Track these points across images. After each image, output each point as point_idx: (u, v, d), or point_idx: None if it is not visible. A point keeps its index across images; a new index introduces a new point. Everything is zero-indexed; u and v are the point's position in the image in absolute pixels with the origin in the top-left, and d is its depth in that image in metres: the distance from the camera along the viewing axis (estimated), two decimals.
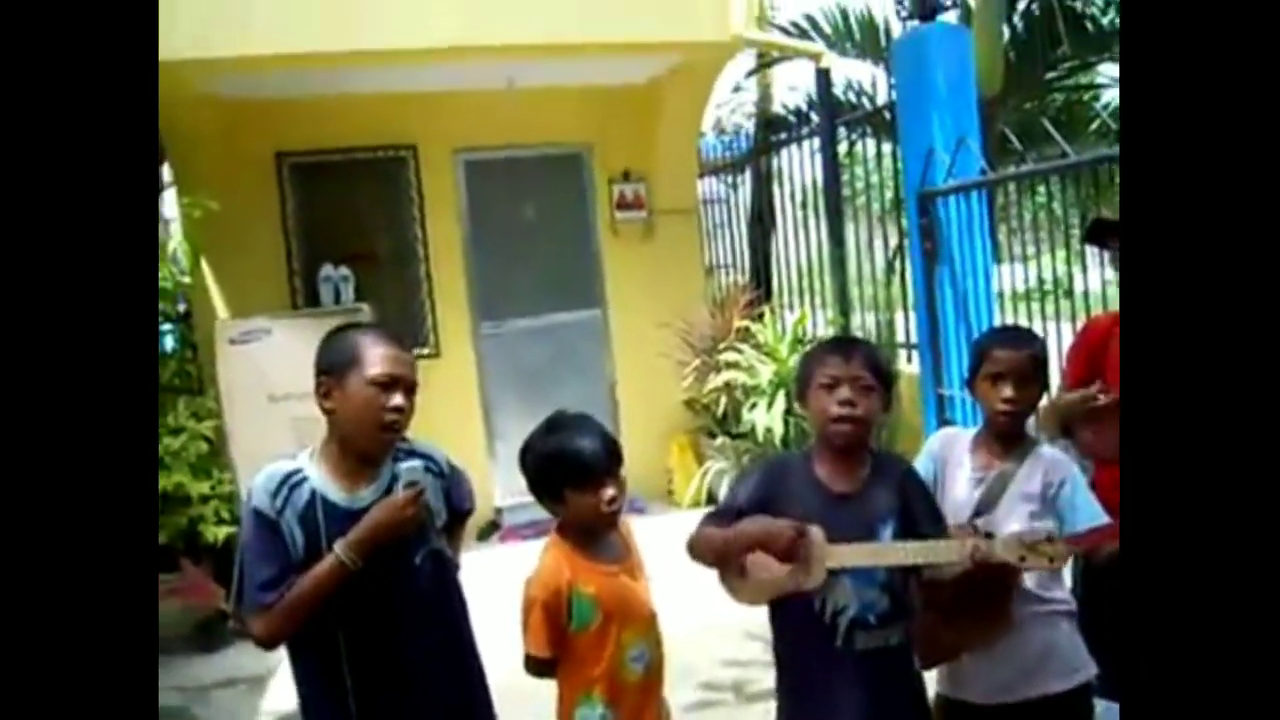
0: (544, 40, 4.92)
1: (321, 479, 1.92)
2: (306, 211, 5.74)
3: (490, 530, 5.94)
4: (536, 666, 2.10)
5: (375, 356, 1.90)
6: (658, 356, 5.92)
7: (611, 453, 2.09)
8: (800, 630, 1.94)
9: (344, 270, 5.60)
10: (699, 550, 2.00)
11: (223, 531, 4.65)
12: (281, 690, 4.13)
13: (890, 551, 1.90)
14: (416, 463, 1.98)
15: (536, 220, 6.20)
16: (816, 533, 1.85)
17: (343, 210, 5.83)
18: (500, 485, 6.03)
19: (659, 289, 6.17)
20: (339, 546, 1.85)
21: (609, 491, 2.06)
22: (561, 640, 2.08)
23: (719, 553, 1.95)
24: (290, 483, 1.89)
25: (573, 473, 2.06)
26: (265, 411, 4.82)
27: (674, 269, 6.36)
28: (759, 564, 1.91)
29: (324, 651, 1.91)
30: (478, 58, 5.03)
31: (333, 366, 1.91)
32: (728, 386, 5.62)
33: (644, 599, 2.14)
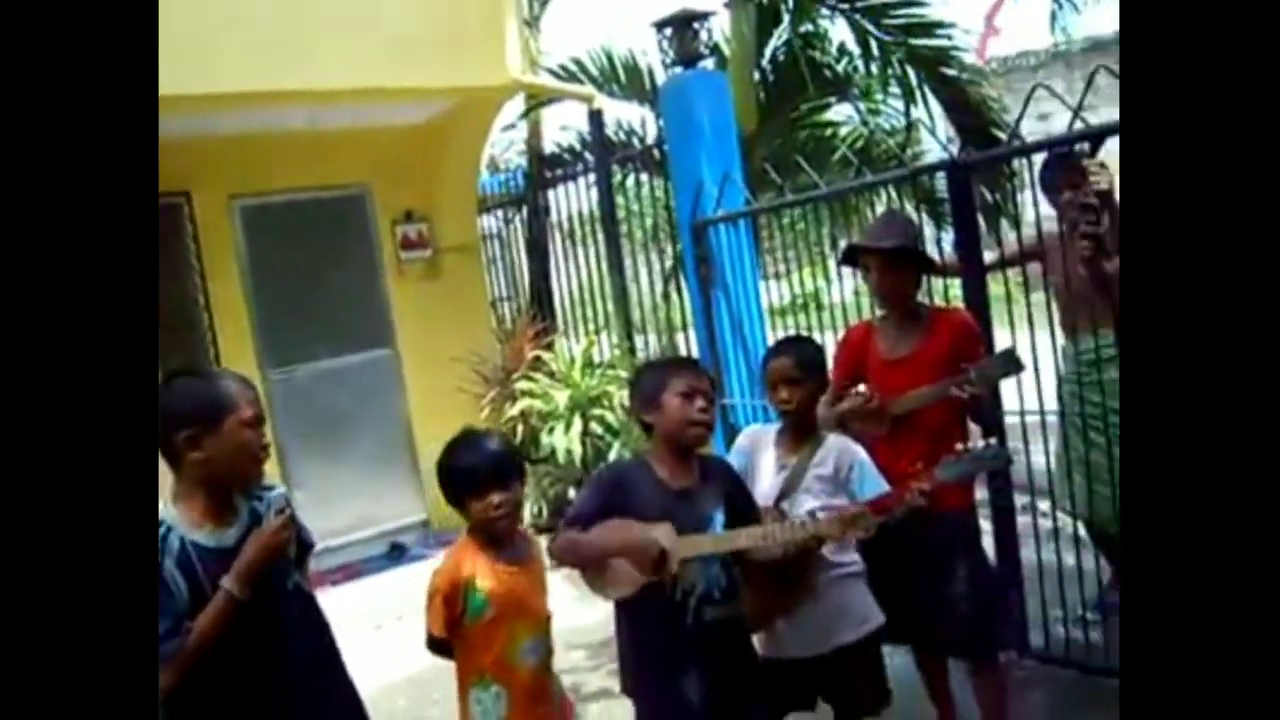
0: (325, 85, 4.99)
1: (186, 526, 1.98)
2: None
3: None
4: (434, 645, 2.39)
5: (244, 399, 2.03)
6: (453, 391, 6.04)
7: (497, 464, 2.33)
8: (654, 611, 2.23)
9: None
10: (563, 555, 2.27)
11: None
12: None
13: (731, 538, 2.24)
14: (279, 490, 2.12)
15: (320, 263, 6.17)
16: (667, 530, 2.14)
17: None
18: None
19: (448, 324, 6.28)
20: (226, 582, 1.94)
21: (494, 498, 2.31)
22: (457, 627, 2.33)
23: (585, 558, 2.23)
24: (159, 535, 1.94)
25: (462, 483, 2.33)
26: None
27: (461, 304, 6.50)
28: (617, 563, 2.19)
29: (210, 688, 1.97)
30: (253, 103, 5.02)
31: (201, 416, 1.98)
32: (524, 415, 5.82)
33: (539, 600, 2.38)
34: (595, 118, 5.89)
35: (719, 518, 2.28)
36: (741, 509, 2.35)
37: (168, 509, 2.00)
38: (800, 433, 2.67)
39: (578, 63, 6.56)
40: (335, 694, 2.22)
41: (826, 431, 2.75)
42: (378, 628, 5.07)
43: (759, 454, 2.70)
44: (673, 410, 2.27)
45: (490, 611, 2.33)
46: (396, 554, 6.08)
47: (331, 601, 5.09)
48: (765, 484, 2.62)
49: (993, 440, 2.55)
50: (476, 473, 2.33)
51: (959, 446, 2.40)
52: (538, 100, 6.94)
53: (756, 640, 2.54)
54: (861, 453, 2.66)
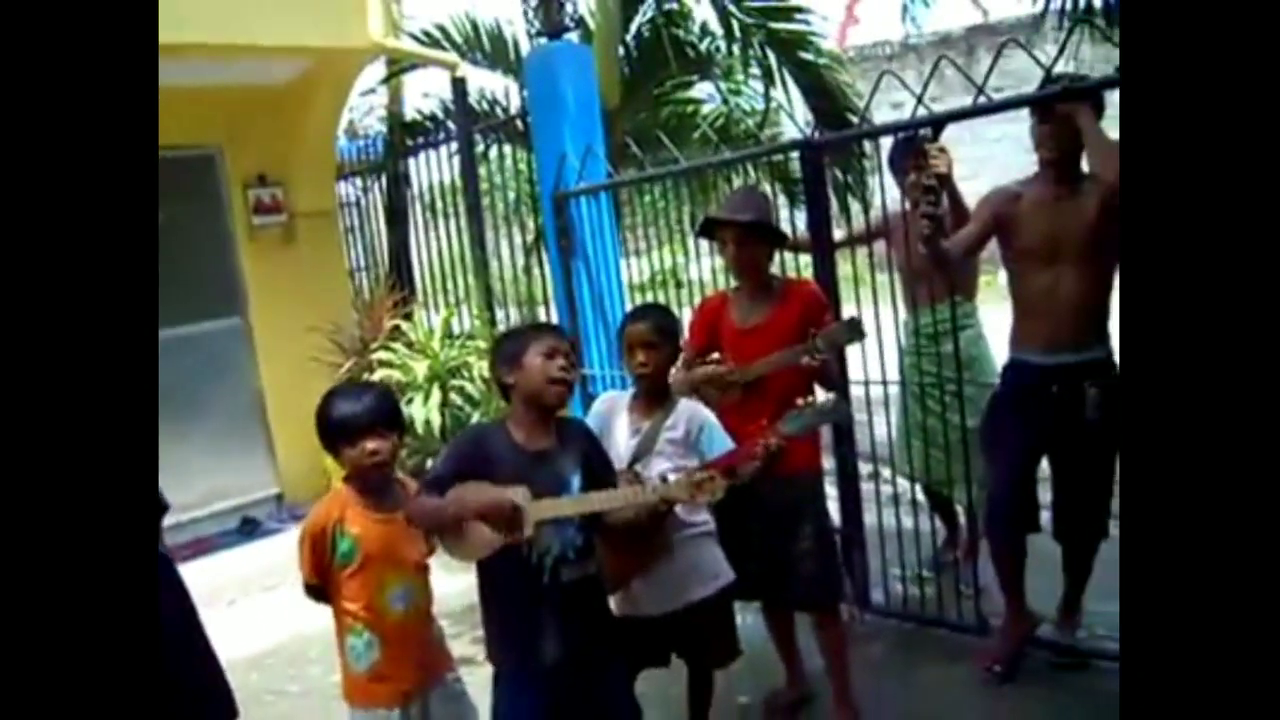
0: (177, 40, 4.76)
1: None
2: None
3: None
4: (309, 591, 2.46)
5: None
6: (307, 361, 5.89)
7: (374, 412, 2.39)
8: (511, 573, 2.27)
9: None
10: (421, 518, 2.29)
11: None
12: None
13: (587, 501, 2.29)
14: None
15: (169, 226, 5.84)
16: (524, 493, 2.19)
17: None
18: None
19: (303, 293, 6.12)
20: None
21: (368, 445, 2.37)
22: (327, 572, 2.39)
23: (440, 521, 2.25)
24: None
25: (336, 430, 2.39)
26: None
27: (317, 273, 6.34)
28: (473, 526, 2.21)
29: None
30: None
31: None
32: (383, 385, 5.75)
33: (409, 548, 2.42)
34: (458, 86, 5.82)
35: (576, 480, 2.33)
36: (598, 471, 2.41)
37: None
38: (654, 398, 2.77)
39: (442, 29, 6.44)
40: (196, 656, 2.20)
41: (680, 397, 2.85)
42: (230, 603, 4.95)
43: (614, 418, 2.78)
44: (534, 369, 2.31)
45: (358, 557, 2.40)
46: (249, 528, 5.92)
47: (183, 576, 4.95)
48: (620, 447, 2.70)
49: (834, 394, 2.69)
50: (353, 419, 2.39)
51: (800, 401, 2.52)
52: (400, 65, 6.80)
53: (612, 600, 2.63)
54: (709, 415, 2.77)
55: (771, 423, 2.49)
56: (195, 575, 5.35)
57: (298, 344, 5.86)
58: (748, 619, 3.20)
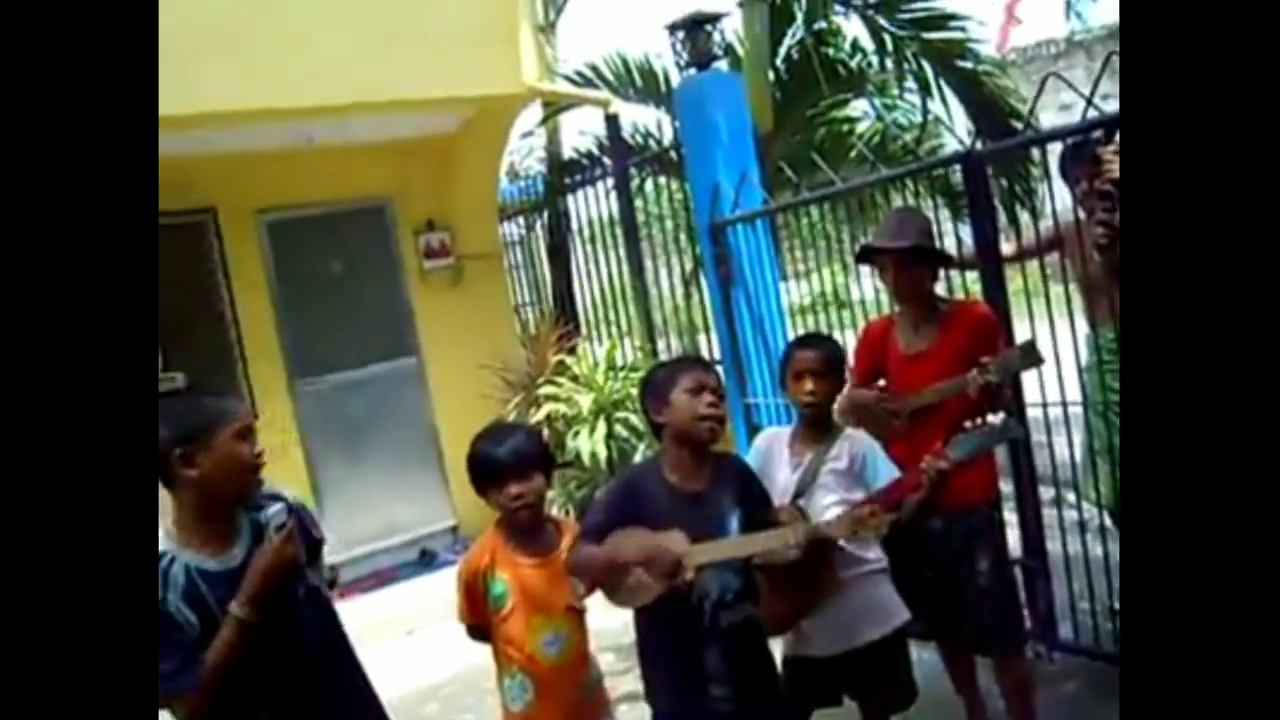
0: (344, 100, 5.06)
1: (189, 553, 1.96)
2: None
3: (327, 588, 5.88)
4: (470, 633, 2.51)
5: (232, 412, 2.02)
6: (478, 397, 6.07)
7: (516, 455, 2.39)
8: (670, 617, 2.23)
9: None
10: (581, 570, 2.26)
11: None
12: None
13: (744, 544, 2.24)
14: (278, 505, 2.07)
15: (345, 274, 6.25)
16: (680, 538, 2.14)
17: None
18: (332, 541, 5.99)
19: (472, 332, 6.34)
20: (234, 607, 1.92)
21: (512, 490, 2.38)
22: (482, 615, 2.44)
23: (603, 572, 2.22)
24: (162, 568, 1.91)
25: (483, 473, 2.42)
26: None
27: (484, 311, 6.56)
28: (632, 573, 2.18)
29: (239, 705, 1.99)
30: (277, 119, 5.10)
31: (194, 433, 1.94)
32: (549, 419, 5.85)
33: (558, 593, 2.40)
34: (612, 122, 5.91)
35: (734, 520, 2.28)
36: (758, 509, 2.35)
37: (169, 538, 1.97)
38: (817, 429, 2.68)
39: (593, 68, 6.58)
40: (354, 696, 2.24)
41: (845, 425, 2.76)
42: (409, 633, 5.12)
43: (774, 454, 2.71)
44: (682, 406, 2.27)
45: (509, 602, 2.42)
46: (426, 560, 6.14)
47: (363, 608, 5.15)
48: (781, 481, 2.62)
49: (1002, 415, 2.54)
50: (496, 463, 2.41)
51: (967, 424, 2.39)
52: (555, 107, 6.98)
53: (781, 640, 2.56)
54: (873, 443, 2.67)
55: (938, 448, 2.38)
56: (375, 606, 5.61)
57: (468, 380, 6.06)
58: (924, 656, 3.05)
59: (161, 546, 1.94)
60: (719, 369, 5.30)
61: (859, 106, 6.87)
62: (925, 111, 6.21)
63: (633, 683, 3.27)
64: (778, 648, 2.56)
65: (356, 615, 5.48)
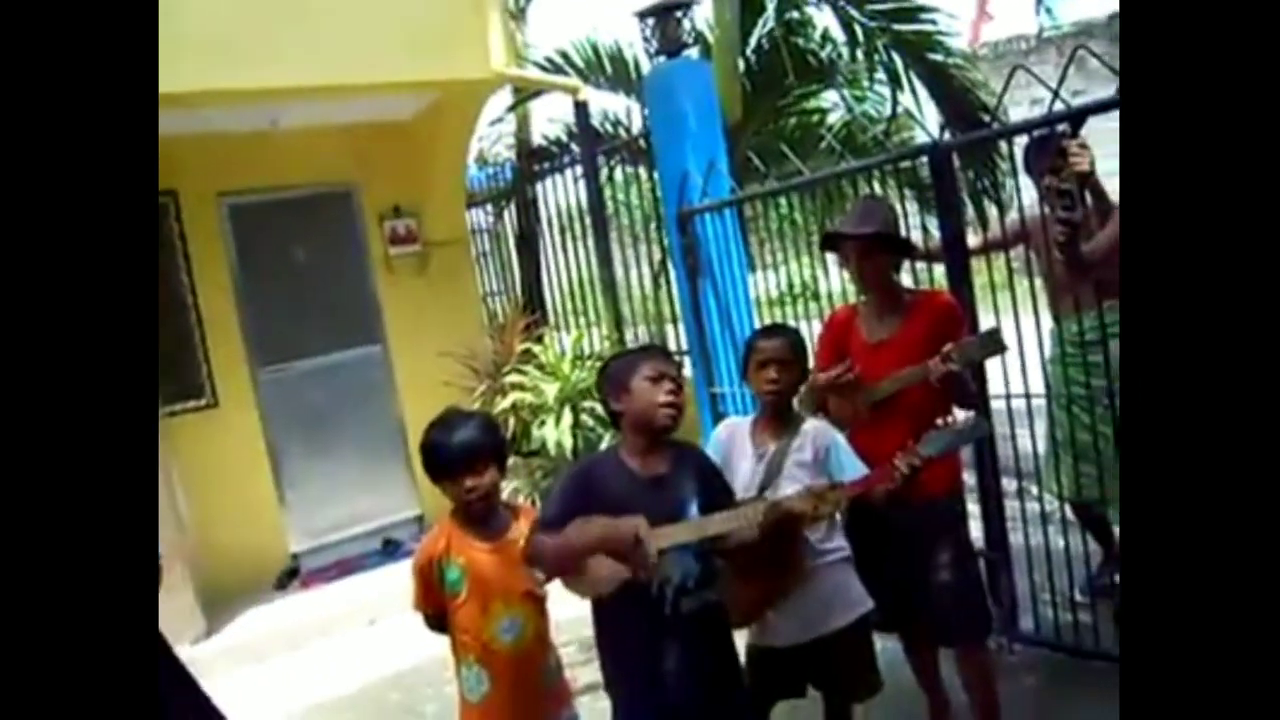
0: (309, 82, 4.97)
1: None
2: None
3: (289, 578, 5.83)
4: (428, 623, 2.50)
5: None
6: (443, 385, 6.01)
7: (467, 449, 2.37)
8: (630, 604, 2.19)
9: None
10: (539, 560, 2.22)
11: None
12: None
13: (705, 525, 2.21)
14: None
15: (309, 260, 6.17)
16: (642, 524, 2.11)
17: None
18: (295, 530, 5.95)
19: (437, 320, 6.28)
20: None
21: (466, 483, 2.37)
22: (438, 602, 2.42)
23: (562, 560, 2.18)
24: None
25: (435, 465, 2.41)
26: None
27: (450, 299, 6.50)
28: (594, 562, 2.15)
29: None
30: (238, 101, 5.01)
31: None
32: (515, 408, 5.81)
33: (516, 578, 2.38)
34: (581, 109, 5.87)
35: (694, 507, 2.26)
36: (718, 497, 2.33)
37: None
38: (780, 419, 2.67)
39: (563, 54, 6.54)
40: None
41: (806, 415, 2.75)
42: (372, 622, 5.08)
43: (735, 445, 2.69)
44: (642, 393, 2.26)
45: (465, 587, 2.40)
46: (390, 549, 6.08)
47: (327, 597, 5.10)
48: (744, 473, 2.60)
49: (972, 413, 2.54)
50: (448, 457, 2.39)
51: (939, 421, 2.39)
52: (524, 93, 6.93)
53: (745, 631, 2.54)
54: (836, 434, 2.66)
55: (908, 443, 2.37)
56: (338, 595, 5.55)
57: (434, 369, 6.01)
58: (886, 645, 3.05)
59: None
60: (686, 359, 5.32)
61: (829, 98, 6.88)
62: (895, 104, 6.23)
63: (594, 674, 3.25)
64: (741, 638, 2.55)
65: (320, 605, 5.47)
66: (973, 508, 3.40)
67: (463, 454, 2.38)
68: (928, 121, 4.79)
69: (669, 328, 5.94)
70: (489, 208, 7.43)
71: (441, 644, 2.62)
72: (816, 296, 4.72)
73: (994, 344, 2.71)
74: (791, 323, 4.18)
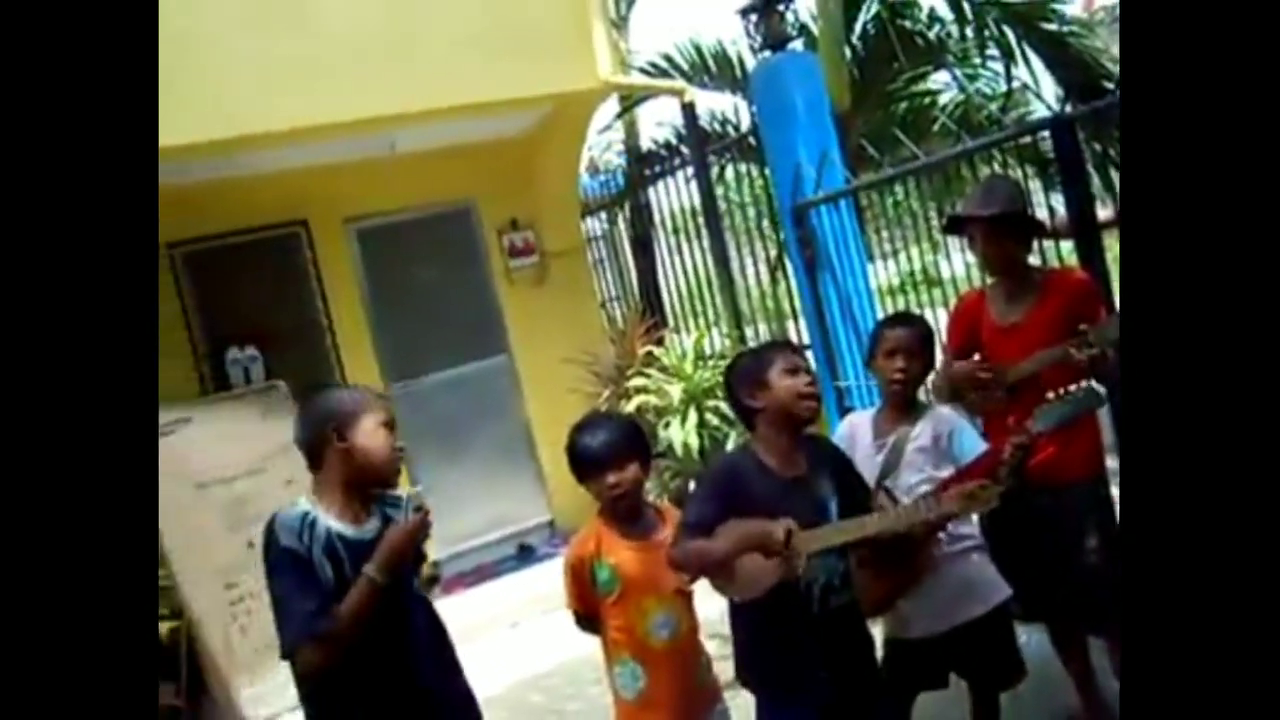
0: (423, 106, 5.14)
1: (329, 519, 2.10)
2: (205, 298, 5.78)
3: (430, 585, 6.01)
4: (579, 623, 2.54)
5: (380, 404, 2.22)
6: (568, 392, 6.12)
7: (611, 446, 2.42)
8: (781, 605, 2.19)
9: (251, 350, 5.65)
10: (687, 564, 2.24)
11: (165, 627, 4.66)
12: None
13: (861, 527, 2.19)
14: (417, 488, 2.25)
15: (434, 277, 6.38)
16: (794, 526, 2.09)
17: (241, 292, 5.87)
18: (434, 538, 6.13)
19: (559, 327, 6.38)
20: (369, 568, 2.04)
21: (609, 479, 2.41)
22: (591, 601, 2.46)
23: (712, 564, 2.19)
24: (308, 522, 2.07)
25: (579, 464, 2.46)
26: (194, 500, 4.83)
27: (571, 306, 6.60)
28: (745, 564, 2.16)
29: (343, 686, 2.07)
30: (360, 129, 5.21)
31: (347, 415, 2.13)
32: (639, 410, 5.87)
33: (666, 574, 2.39)
34: (688, 111, 5.88)
35: (834, 504, 2.25)
36: (855, 492, 2.32)
37: (309, 501, 2.12)
38: (902, 409, 2.63)
39: (667, 58, 6.57)
40: (457, 696, 2.28)
41: (940, 403, 2.70)
42: (513, 626, 5.20)
43: (858, 439, 2.66)
44: (781, 387, 2.24)
45: (618, 586, 2.43)
46: (525, 555, 6.22)
47: (467, 603, 5.21)
48: (864, 465, 2.55)
49: (1087, 382, 2.43)
50: (592, 454, 2.44)
51: (1050, 394, 2.31)
52: (631, 99, 6.98)
53: (880, 623, 2.51)
54: (959, 418, 2.61)
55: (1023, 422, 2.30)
56: (477, 601, 5.70)
57: (558, 376, 6.10)
58: (1033, 637, 2.97)
59: (303, 509, 2.11)
60: (809, 353, 5.29)
61: (940, 78, 6.71)
62: (1010, 78, 6.03)
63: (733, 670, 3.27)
64: (877, 632, 2.52)
65: (460, 610, 5.60)
66: (1118, 492, 3.27)
67: (607, 450, 2.43)
68: (1045, 94, 4.64)
69: (789, 324, 5.90)
70: (603, 215, 7.51)
71: (583, 646, 2.67)
72: (938, 283, 4.62)
73: None
74: (912, 310, 4.14)
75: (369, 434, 2.13)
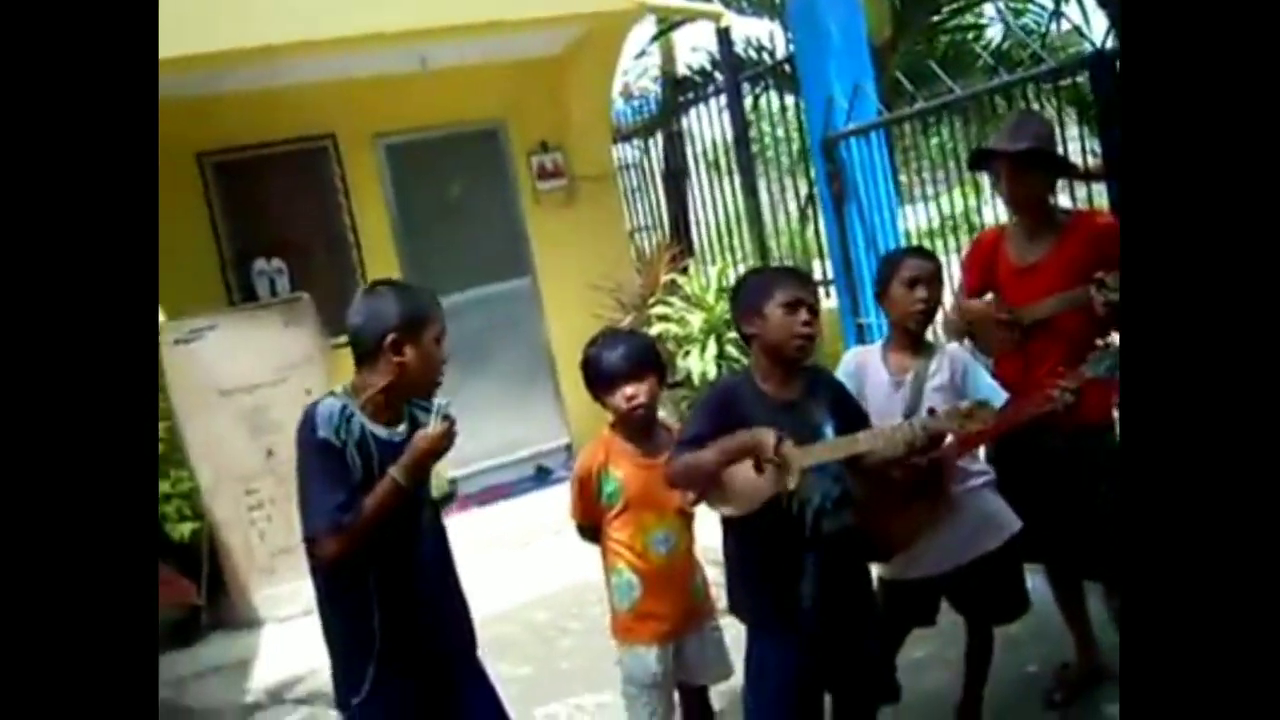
0: (455, 21, 5.07)
1: (364, 417, 2.12)
2: (233, 208, 5.81)
3: (446, 502, 6.12)
4: (580, 532, 2.60)
5: (439, 314, 2.19)
6: (590, 317, 6.09)
7: (629, 358, 2.45)
8: (773, 526, 2.21)
9: (277, 262, 5.67)
10: (683, 477, 2.25)
11: (187, 528, 4.77)
12: (264, 672, 4.29)
13: (851, 443, 2.17)
14: (446, 399, 2.21)
15: (461, 196, 6.36)
16: (784, 435, 2.10)
17: (269, 203, 5.90)
18: (451, 456, 6.18)
19: (585, 252, 6.36)
20: (394, 470, 2.07)
21: (627, 390, 2.44)
22: (595, 513, 2.51)
23: (704, 474, 2.20)
24: (346, 416, 2.09)
25: (596, 378, 2.48)
26: (217, 406, 4.92)
27: (598, 232, 6.56)
28: (738, 478, 2.17)
29: (357, 586, 2.13)
30: (390, 43, 5.16)
31: (408, 325, 2.11)
32: (660, 338, 5.87)
33: (669, 492, 2.41)
34: (724, 36, 5.76)
35: (829, 430, 2.23)
36: (852, 420, 2.29)
37: (347, 396, 2.13)
38: (914, 344, 2.58)
39: None
40: (454, 596, 2.33)
41: (953, 340, 2.67)
42: (525, 545, 5.28)
43: (869, 373, 2.61)
44: (776, 322, 2.21)
45: (622, 499, 2.48)
46: (542, 476, 6.29)
47: (481, 521, 5.28)
48: (880, 402, 2.52)
49: None
50: (610, 365, 2.46)
51: (1100, 342, 2.28)
52: (667, 23, 6.84)
53: (883, 564, 2.52)
54: (968, 356, 2.58)
55: (1060, 368, 2.27)
56: (491, 519, 5.77)
57: (582, 301, 6.11)
58: (1034, 581, 2.97)
59: (340, 402, 2.11)
60: (831, 288, 5.24)
61: (986, 11, 6.52)
62: (1058, 13, 5.84)
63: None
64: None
65: (474, 528, 5.71)
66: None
67: (624, 362, 2.45)
68: (1095, 34, 4.48)
69: (815, 262, 5.84)
70: (635, 142, 7.43)
71: (590, 569, 2.70)
72: (974, 228, 4.54)
73: None
74: (945, 256, 4.06)
75: (426, 349, 2.13)
